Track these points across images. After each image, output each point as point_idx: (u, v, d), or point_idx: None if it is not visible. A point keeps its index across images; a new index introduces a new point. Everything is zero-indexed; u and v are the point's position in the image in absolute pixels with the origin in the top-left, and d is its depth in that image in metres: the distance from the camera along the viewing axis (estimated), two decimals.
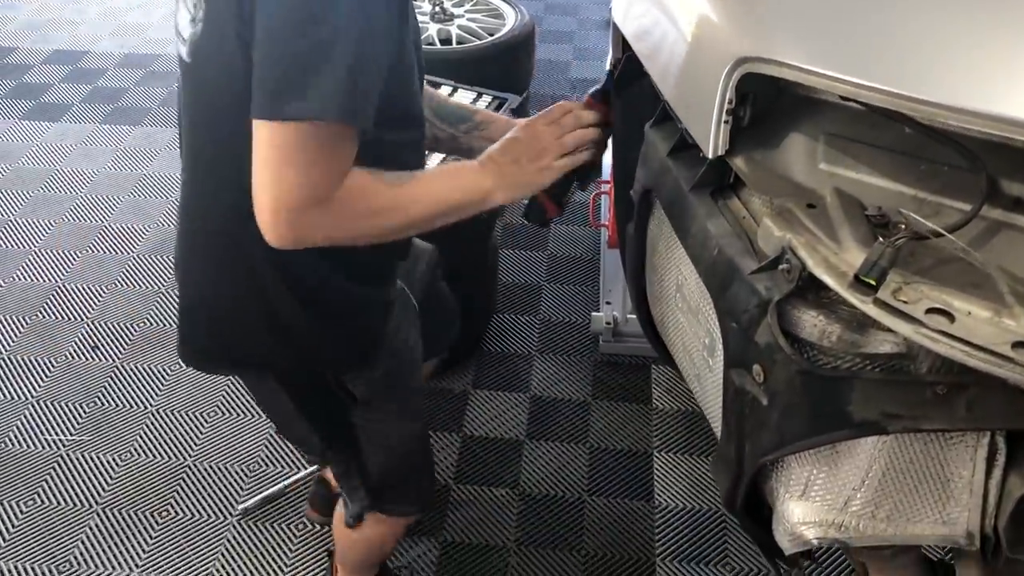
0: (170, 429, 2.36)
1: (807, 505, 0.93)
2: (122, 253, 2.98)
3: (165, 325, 2.69)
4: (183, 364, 1.37)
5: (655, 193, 1.11)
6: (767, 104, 0.99)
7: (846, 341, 0.85)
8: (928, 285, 0.80)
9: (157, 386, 2.49)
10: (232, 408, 2.42)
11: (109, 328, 2.68)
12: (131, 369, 2.54)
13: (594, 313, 2.69)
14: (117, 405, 2.43)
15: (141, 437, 2.34)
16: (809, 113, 0.98)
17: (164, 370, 2.53)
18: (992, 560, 0.91)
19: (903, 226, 0.83)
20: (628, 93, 1.26)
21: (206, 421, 2.39)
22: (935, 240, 0.83)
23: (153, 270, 2.91)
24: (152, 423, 2.38)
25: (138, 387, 2.49)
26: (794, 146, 0.97)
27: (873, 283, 0.80)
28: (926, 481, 0.88)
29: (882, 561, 1.00)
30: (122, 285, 2.84)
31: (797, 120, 0.98)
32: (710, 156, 0.97)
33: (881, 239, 0.80)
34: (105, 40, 4.36)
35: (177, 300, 1.34)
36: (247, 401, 2.43)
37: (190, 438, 2.34)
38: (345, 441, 1.45)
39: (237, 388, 2.47)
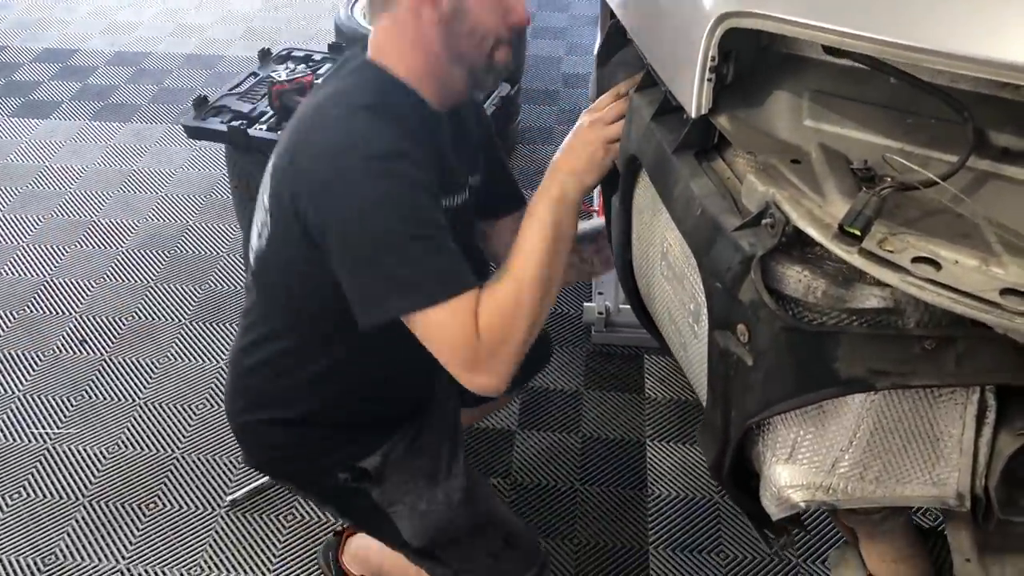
0: (158, 421, 2.34)
1: (794, 468, 0.91)
2: (111, 248, 2.96)
3: (154, 319, 2.67)
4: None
5: (640, 158, 1.09)
6: (751, 62, 0.97)
7: (832, 296, 0.83)
8: (914, 235, 0.78)
9: (145, 379, 2.46)
10: (221, 400, 2.40)
11: (97, 322, 2.65)
12: (119, 362, 2.52)
13: (586, 303, 2.67)
14: (105, 398, 2.41)
15: (129, 430, 2.31)
16: (793, 71, 0.96)
17: (152, 363, 2.51)
18: (983, 523, 0.89)
19: (889, 178, 0.81)
20: (612, 62, 1.25)
21: (194, 413, 2.36)
22: (922, 192, 0.81)
23: (142, 264, 2.89)
24: (140, 415, 2.35)
25: (126, 380, 2.46)
26: (778, 103, 0.95)
27: (858, 233, 0.78)
28: (915, 440, 0.86)
29: (871, 526, 0.97)
30: (111, 280, 2.82)
31: (781, 78, 0.96)
32: (693, 115, 0.96)
33: (866, 190, 0.79)
34: (95, 38, 4.35)
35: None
36: None
37: (178, 430, 2.31)
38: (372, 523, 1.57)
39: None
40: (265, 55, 2.55)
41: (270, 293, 1.43)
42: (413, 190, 1.20)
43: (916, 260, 0.75)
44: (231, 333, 2.61)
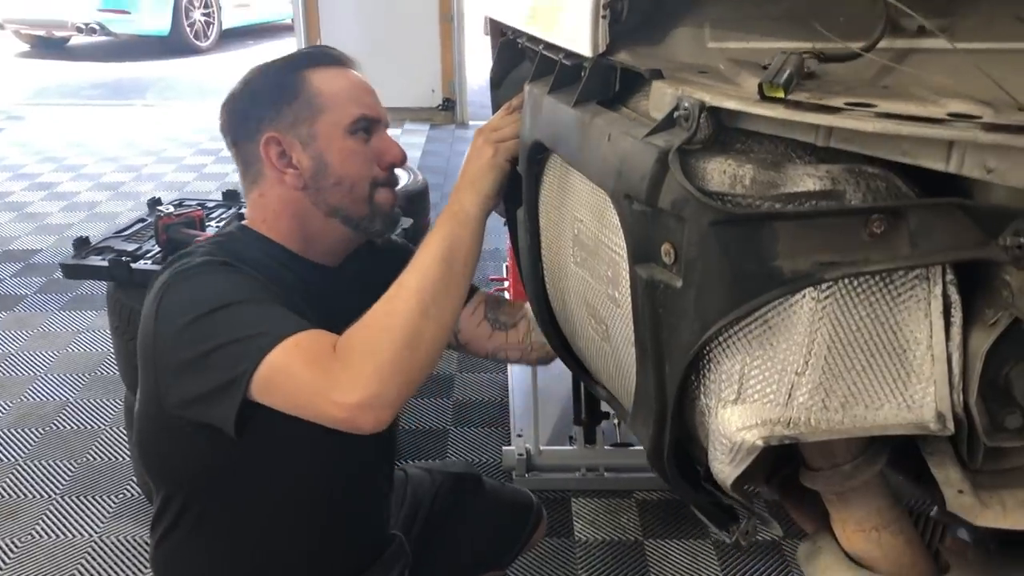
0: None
1: (745, 408, 0.76)
2: None
3: (20, 496, 2.37)
4: None
5: (542, 140, 1.02)
6: (646, 8, 0.93)
7: (761, 182, 0.73)
8: (842, 95, 0.70)
9: (1, 560, 2.13)
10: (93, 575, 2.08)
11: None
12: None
13: (505, 448, 2.50)
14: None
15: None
16: (691, 9, 0.91)
17: (12, 543, 2.19)
18: (971, 458, 0.76)
19: (807, 51, 0.74)
20: (506, 83, 1.20)
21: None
22: (844, 68, 0.75)
23: (10, 444, 2.60)
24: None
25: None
26: (679, 35, 0.90)
27: (781, 95, 0.70)
28: (880, 353, 0.74)
29: (840, 483, 0.80)
30: None
31: (679, 17, 0.91)
32: (590, 52, 0.89)
33: (783, 51, 0.72)
34: None
35: None
36: None
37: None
38: None
39: None
40: (155, 203, 2.46)
41: (152, 461, 1.32)
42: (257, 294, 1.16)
43: (850, 104, 0.67)
44: (107, 506, 2.33)
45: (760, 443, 0.74)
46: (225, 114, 1.31)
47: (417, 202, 3.13)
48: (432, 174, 4.62)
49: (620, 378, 0.98)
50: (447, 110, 6.32)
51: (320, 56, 1.30)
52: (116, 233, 2.31)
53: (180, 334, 1.14)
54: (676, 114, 0.76)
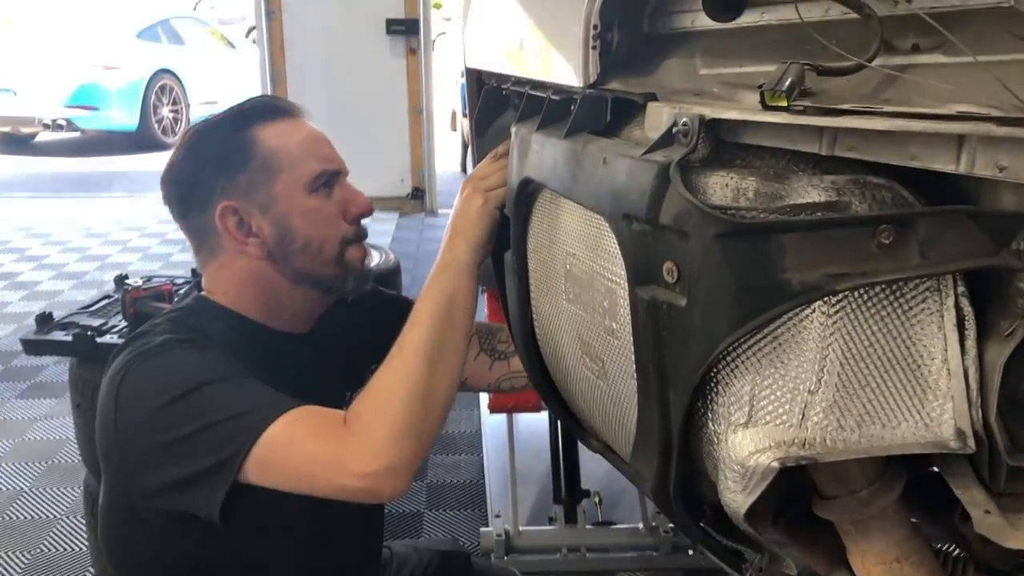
0: None
1: (756, 431, 0.72)
2: None
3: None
4: None
5: (531, 174, 1.00)
6: (634, 45, 0.93)
7: (765, 194, 0.71)
8: (846, 103, 0.69)
9: None
10: None
11: None
12: None
13: (483, 529, 2.41)
14: None
15: None
16: (681, 44, 0.92)
17: None
18: (993, 480, 0.72)
19: (807, 63, 0.74)
20: (490, 132, 1.19)
21: None
22: (844, 82, 0.74)
23: None
24: None
25: None
26: (670, 64, 0.90)
27: (784, 104, 0.69)
28: (894, 369, 0.71)
29: (858, 510, 0.75)
30: None
31: (669, 51, 0.91)
32: (581, 83, 0.88)
33: (784, 62, 0.71)
34: None
35: None
36: None
37: None
38: None
39: None
40: (122, 280, 2.40)
41: (118, 557, 1.23)
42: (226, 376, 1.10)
43: (855, 113, 0.66)
44: None
45: (776, 465, 0.70)
46: (168, 185, 1.22)
47: (389, 282, 3.11)
48: (403, 259, 4.61)
49: (617, 418, 0.93)
50: (416, 199, 6.36)
51: (267, 109, 1.22)
52: (81, 309, 2.24)
53: (150, 420, 1.06)
54: (675, 130, 0.75)
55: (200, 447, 1.03)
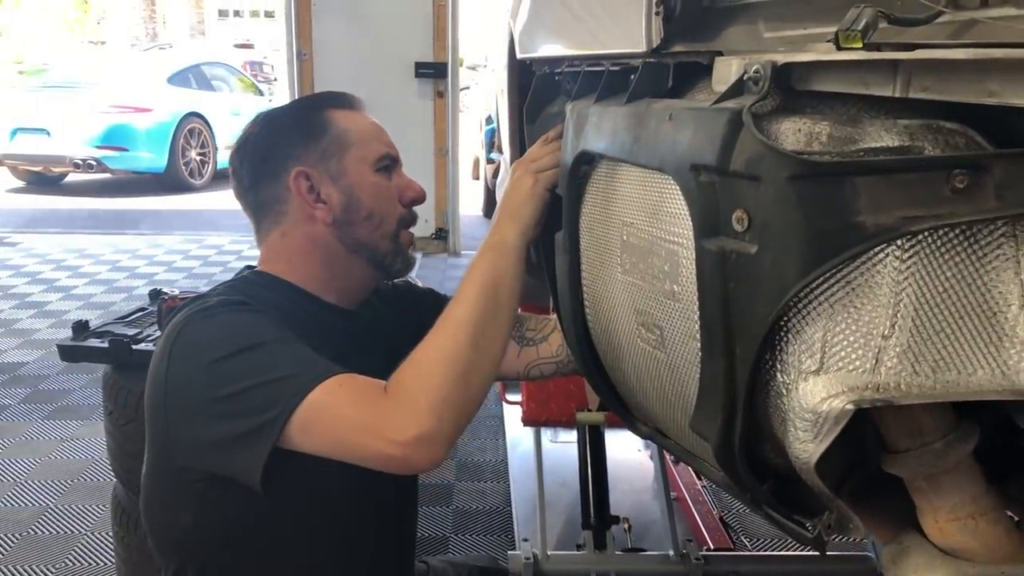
0: None
1: (829, 377, 0.71)
2: None
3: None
4: None
5: (588, 146, 1.00)
6: (696, 17, 0.94)
7: (838, 138, 0.71)
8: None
9: None
10: None
11: None
12: None
13: (510, 552, 2.36)
14: None
15: None
16: (742, 12, 0.92)
17: None
18: None
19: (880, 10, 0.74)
20: (543, 118, 1.21)
21: None
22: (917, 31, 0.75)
23: None
24: None
25: None
26: (733, 30, 0.90)
27: (859, 45, 0.69)
28: (969, 316, 0.70)
29: (932, 461, 0.74)
30: None
31: (732, 13, 0.92)
32: (645, 46, 0.89)
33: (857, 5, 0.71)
34: None
35: None
36: None
37: None
38: None
39: None
40: (157, 294, 2.42)
41: (157, 528, 1.24)
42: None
43: (932, 46, 0.66)
44: None
45: (851, 407, 0.69)
46: (241, 156, 1.30)
47: None
48: None
49: (675, 387, 0.92)
50: (440, 239, 6.40)
51: (338, 99, 1.32)
52: (116, 319, 2.26)
53: (198, 376, 1.09)
54: (746, 77, 0.75)
55: (245, 407, 1.04)
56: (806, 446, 0.73)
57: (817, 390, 0.72)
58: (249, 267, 1.32)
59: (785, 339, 0.75)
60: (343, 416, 1.03)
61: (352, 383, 1.05)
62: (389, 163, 1.29)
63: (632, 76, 0.95)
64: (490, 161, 6.81)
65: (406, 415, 1.00)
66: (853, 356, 0.71)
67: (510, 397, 2.67)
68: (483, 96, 8.05)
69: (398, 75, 6.05)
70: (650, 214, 0.91)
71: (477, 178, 8.16)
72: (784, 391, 0.76)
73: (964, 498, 0.77)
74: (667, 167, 0.83)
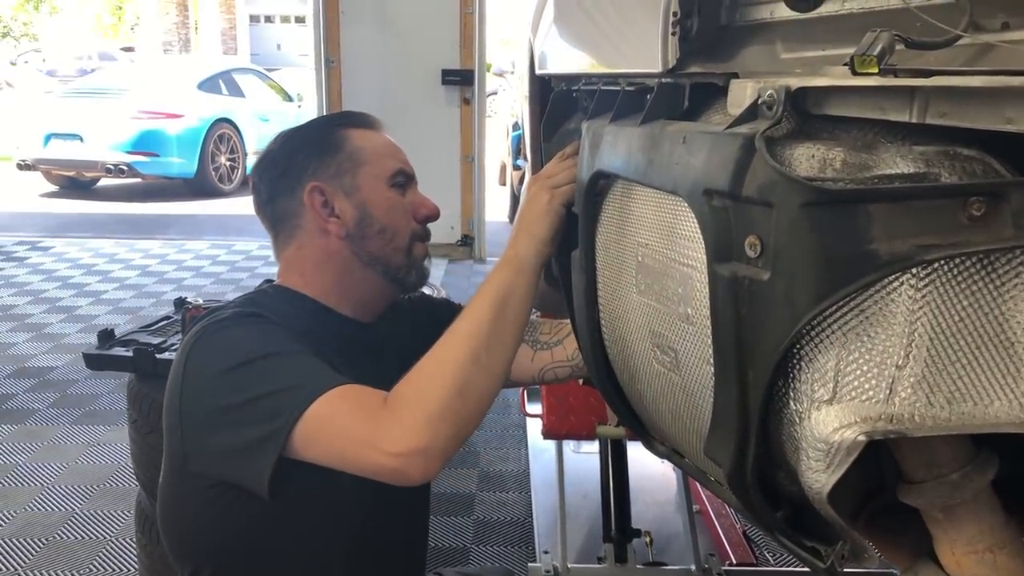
0: None
1: (841, 407, 0.70)
2: None
3: None
4: None
5: (604, 166, 1.00)
6: (713, 36, 0.93)
7: (853, 164, 0.70)
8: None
9: None
10: None
11: None
12: None
13: (531, 564, 2.36)
14: None
15: None
16: (760, 32, 0.92)
17: None
18: None
19: (896, 34, 0.73)
20: (560, 134, 1.20)
21: None
22: (933, 56, 0.74)
23: (11, 554, 2.48)
24: None
25: None
26: (749, 51, 0.89)
27: (875, 70, 0.68)
28: (986, 346, 0.69)
29: (949, 493, 0.72)
30: None
31: (747, 39, 0.91)
32: (661, 67, 0.89)
33: (873, 31, 0.70)
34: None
35: None
36: None
37: None
38: None
39: None
40: (182, 303, 2.44)
41: (173, 536, 1.25)
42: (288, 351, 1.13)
43: (949, 72, 0.65)
44: None
45: (863, 438, 0.68)
46: (261, 171, 1.33)
47: None
48: None
49: (690, 410, 0.92)
50: (465, 246, 6.41)
51: (356, 118, 1.36)
52: (141, 328, 2.28)
53: (209, 385, 1.11)
54: (760, 101, 0.74)
55: (251, 417, 1.06)
56: (819, 476, 0.72)
57: (830, 420, 0.71)
58: (268, 281, 1.33)
59: (798, 367, 0.74)
60: (341, 427, 1.04)
61: (353, 394, 1.06)
62: (403, 180, 1.31)
63: (648, 96, 0.94)
64: (516, 167, 6.81)
65: (402, 428, 1.01)
66: (867, 386, 0.70)
67: (530, 409, 2.66)
68: (510, 101, 8.07)
69: (425, 82, 6.08)
70: (665, 236, 0.90)
71: (504, 184, 8.16)
72: (797, 419, 0.75)
73: (982, 530, 0.75)
74: (680, 190, 0.82)
